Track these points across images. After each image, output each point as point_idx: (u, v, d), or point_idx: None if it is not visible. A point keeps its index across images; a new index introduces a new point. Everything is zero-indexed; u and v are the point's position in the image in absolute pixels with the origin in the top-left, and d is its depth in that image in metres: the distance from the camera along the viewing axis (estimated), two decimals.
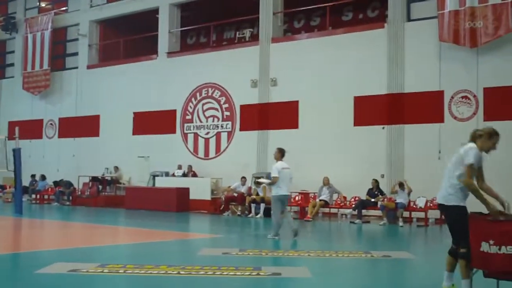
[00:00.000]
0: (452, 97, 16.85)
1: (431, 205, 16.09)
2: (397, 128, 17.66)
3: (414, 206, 16.20)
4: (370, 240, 13.35)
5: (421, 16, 17.84)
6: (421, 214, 16.15)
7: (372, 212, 17.13)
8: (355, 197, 17.28)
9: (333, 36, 19.58)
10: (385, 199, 16.69)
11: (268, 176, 12.99)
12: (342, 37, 19.31)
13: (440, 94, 17.02)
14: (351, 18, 22.19)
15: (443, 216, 6.13)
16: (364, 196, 16.80)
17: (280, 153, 11.93)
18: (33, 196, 25.11)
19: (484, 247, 5.25)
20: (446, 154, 16.31)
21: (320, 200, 17.23)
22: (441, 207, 5.93)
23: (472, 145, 5.81)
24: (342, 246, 11.56)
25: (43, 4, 29.48)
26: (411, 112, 17.50)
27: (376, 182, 16.85)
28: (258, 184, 17.65)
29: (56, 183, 24.65)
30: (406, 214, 16.24)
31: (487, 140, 5.82)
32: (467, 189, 5.65)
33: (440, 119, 16.97)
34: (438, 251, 11.31)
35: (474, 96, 16.51)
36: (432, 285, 7.09)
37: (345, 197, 17.62)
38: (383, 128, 17.94)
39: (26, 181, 23.32)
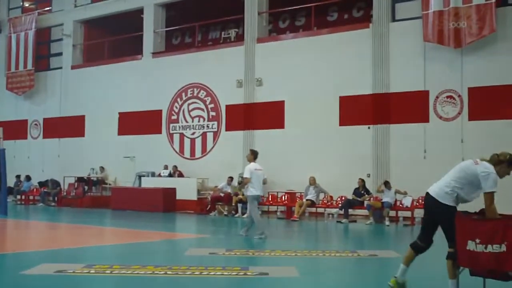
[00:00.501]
0: (437, 97, 16.98)
1: (417, 204, 16.20)
2: (382, 128, 17.76)
3: (401, 205, 16.30)
4: (356, 240, 13.42)
5: (405, 17, 17.93)
6: (408, 213, 16.26)
7: (359, 211, 17.21)
8: (342, 196, 17.36)
9: (318, 36, 19.64)
10: (371, 199, 16.78)
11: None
12: (327, 37, 19.37)
13: (425, 94, 17.14)
14: (336, 18, 22.27)
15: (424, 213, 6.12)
16: (350, 196, 16.89)
17: (253, 155, 12.07)
18: (18, 196, 24.90)
19: (471, 245, 5.30)
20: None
21: (307, 200, 17.28)
22: (431, 201, 5.84)
23: (492, 169, 5.61)
24: (329, 246, 11.61)
25: (26, 4, 29.21)
26: (396, 112, 17.60)
27: (362, 181, 16.94)
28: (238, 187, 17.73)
29: (41, 184, 24.47)
30: (392, 213, 16.34)
31: (506, 167, 5.72)
32: (491, 217, 5.46)
33: (426, 119, 17.09)
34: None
35: (459, 96, 16.65)
36: (418, 284, 7.14)
37: (331, 197, 17.70)
38: (369, 128, 18.03)
39: (11, 182, 23.17)
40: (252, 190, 11.79)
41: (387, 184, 16.15)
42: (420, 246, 6.08)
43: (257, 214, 11.92)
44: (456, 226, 5.53)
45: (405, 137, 17.40)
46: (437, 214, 5.86)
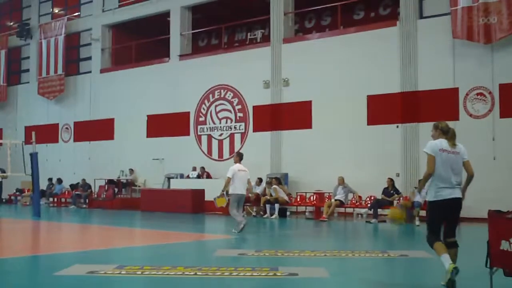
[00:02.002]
0: (467, 94, 16.74)
1: None
2: (411, 127, 17.58)
3: None
4: (386, 240, 13.30)
5: (433, 13, 17.74)
6: None
7: (388, 211, 17.02)
8: (371, 196, 17.22)
9: (345, 35, 19.54)
10: (401, 198, 16.61)
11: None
12: (354, 36, 19.26)
13: (454, 91, 16.92)
14: (362, 16, 22.12)
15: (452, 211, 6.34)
16: (379, 196, 16.73)
17: (238, 157, 12.98)
18: (51, 199, 25.36)
19: (504, 245, 5.21)
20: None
21: (336, 200, 17.20)
22: (459, 201, 6.27)
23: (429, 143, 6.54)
24: (359, 246, 11.53)
25: (56, 10, 29.72)
26: (425, 110, 17.39)
27: (391, 181, 16.77)
28: (269, 185, 17.84)
29: (72, 186, 24.87)
30: (422, 213, 16.13)
31: (440, 134, 6.60)
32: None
33: (455, 117, 16.85)
34: None
35: (490, 92, 16.38)
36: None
37: (360, 197, 17.55)
38: (397, 126, 17.86)
39: (43, 185, 23.59)
40: (234, 190, 12.44)
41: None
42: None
43: (236, 212, 12.56)
44: (488, 226, 5.45)
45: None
46: (458, 211, 6.38)
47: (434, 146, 6.38)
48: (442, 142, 6.41)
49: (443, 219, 6.30)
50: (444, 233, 6.28)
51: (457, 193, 6.28)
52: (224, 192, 12.76)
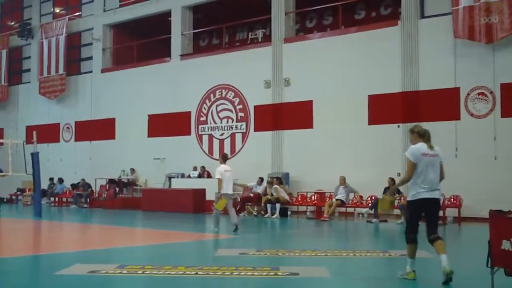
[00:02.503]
0: (468, 94, 16.73)
1: (449, 203, 16.02)
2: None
3: None
4: (387, 239, 13.30)
5: (435, 13, 17.72)
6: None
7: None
8: (372, 196, 17.21)
9: (346, 35, 19.53)
10: (402, 198, 16.58)
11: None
12: (355, 35, 19.26)
13: (456, 91, 16.91)
14: (363, 16, 22.11)
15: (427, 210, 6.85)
16: (380, 195, 16.70)
17: (223, 158, 13.48)
18: (52, 199, 25.39)
19: (505, 245, 5.21)
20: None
21: (337, 200, 17.19)
22: (437, 201, 6.76)
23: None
24: (360, 246, 11.53)
25: (57, 10, 29.75)
26: (426, 110, 17.38)
27: (392, 181, 16.72)
28: (270, 184, 17.87)
29: (74, 186, 24.89)
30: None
31: (416, 138, 7.00)
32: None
33: (457, 117, 16.86)
34: (457, 249, 11.24)
35: (491, 92, 16.37)
36: (452, 284, 7.04)
37: (361, 196, 17.54)
38: (399, 126, 17.85)
39: (44, 184, 23.60)
40: (222, 190, 12.85)
41: None
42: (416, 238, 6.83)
43: (217, 212, 12.99)
44: (490, 226, 5.45)
45: (435, 135, 16.97)
46: (437, 210, 6.91)
47: (416, 151, 6.73)
48: (423, 146, 6.77)
49: (420, 216, 6.80)
50: (427, 232, 6.74)
51: (436, 194, 6.71)
52: (221, 194, 12.82)
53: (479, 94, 16.59)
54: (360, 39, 19.01)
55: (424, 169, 6.62)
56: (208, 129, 22.65)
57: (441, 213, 15.91)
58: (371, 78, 18.52)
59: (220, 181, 12.79)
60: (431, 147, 6.83)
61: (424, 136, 6.88)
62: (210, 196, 19.95)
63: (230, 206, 13.15)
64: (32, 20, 30.01)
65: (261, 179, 19.02)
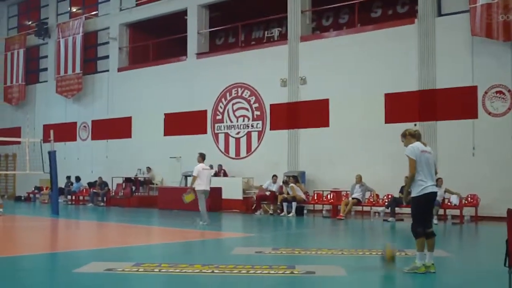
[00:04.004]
0: (486, 92, 16.58)
1: (466, 202, 15.89)
2: (429, 125, 17.45)
3: (449, 203, 15.98)
4: (404, 238, 13.19)
5: (452, 11, 17.58)
6: (456, 212, 15.91)
7: (406, 210, 16.93)
8: (388, 195, 17.11)
9: (363, 33, 19.45)
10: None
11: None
12: (372, 34, 19.17)
13: (473, 89, 16.76)
14: (380, 14, 21.99)
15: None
16: (397, 194, 16.62)
17: (201, 157, 14.77)
18: (69, 197, 25.57)
19: None
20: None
21: (353, 198, 17.14)
22: (436, 195, 7.33)
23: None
24: (376, 244, 11.47)
25: (74, 9, 29.96)
26: (443, 108, 17.26)
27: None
28: (286, 184, 17.84)
29: (90, 184, 25.07)
30: (440, 211, 16.03)
31: (410, 139, 7.41)
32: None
33: (474, 115, 16.71)
34: (474, 248, 11.16)
35: (509, 90, 16.21)
36: (469, 283, 7.00)
37: (377, 195, 17.45)
38: (415, 125, 17.71)
39: (61, 183, 23.78)
40: (199, 186, 14.27)
41: (437, 181, 15.67)
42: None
43: (203, 206, 14.34)
44: (508, 225, 5.40)
45: (453, 134, 17.04)
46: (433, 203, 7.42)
47: (415, 149, 7.20)
48: (419, 145, 7.26)
49: (427, 210, 7.27)
50: (425, 225, 7.20)
51: (435, 188, 7.32)
52: (193, 188, 14.35)
53: (496, 92, 16.43)
54: (376, 38, 18.91)
55: (424, 165, 7.12)
56: (224, 127, 22.68)
57: (458, 212, 15.83)
58: (387, 76, 18.42)
59: (195, 178, 14.29)
60: (425, 145, 7.35)
61: (415, 136, 7.38)
62: (226, 195, 20.07)
63: (203, 201, 14.38)
64: (49, 20, 30.27)
65: (275, 177, 18.99)
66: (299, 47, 20.64)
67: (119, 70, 26.75)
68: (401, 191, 16.51)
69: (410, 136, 7.40)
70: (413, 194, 7.21)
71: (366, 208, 17.98)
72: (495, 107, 16.43)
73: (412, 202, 7.29)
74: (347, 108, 19.18)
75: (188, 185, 21.95)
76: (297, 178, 18.57)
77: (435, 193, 7.24)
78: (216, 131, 22.91)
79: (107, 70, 27.35)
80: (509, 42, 16.10)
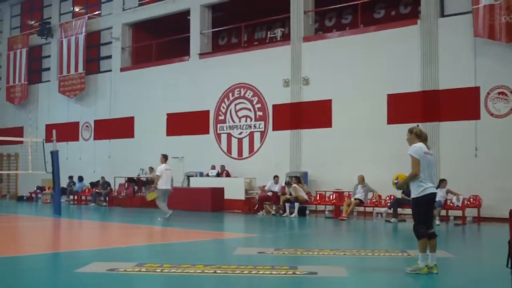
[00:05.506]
0: (488, 93, 16.55)
1: (468, 203, 15.87)
2: (432, 126, 17.42)
3: (451, 204, 15.95)
4: (406, 239, 13.18)
5: (455, 12, 17.56)
6: (458, 213, 15.89)
7: (408, 210, 16.90)
8: (390, 195, 17.11)
9: (365, 34, 19.43)
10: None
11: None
12: (374, 34, 19.15)
13: (475, 90, 16.74)
14: (383, 15, 21.98)
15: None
16: (399, 195, 16.61)
17: (164, 158, 16.04)
18: (71, 197, 25.60)
19: None
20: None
21: (355, 199, 17.13)
22: (436, 196, 7.37)
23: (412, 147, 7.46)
24: (378, 245, 11.48)
25: (77, 9, 29.98)
26: (446, 109, 17.25)
27: None
28: (289, 184, 17.81)
29: (93, 184, 25.09)
30: (443, 212, 16.01)
31: (414, 138, 7.47)
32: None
33: (476, 116, 16.69)
34: (477, 249, 11.14)
35: (511, 91, 16.18)
36: (471, 284, 6.99)
37: (380, 196, 17.44)
38: (418, 125, 17.68)
39: (64, 183, 23.81)
40: (161, 185, 15.39)
41: (441, 182, 15.68)
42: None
43: (163, 204, 15.52)
44: (510, 226, 5.41)
45: (455, 135, 17.02)
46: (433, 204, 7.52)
47: (419, 149, 7.26)
48: (423, 146, 7.31)
49: (429, 211, 7.41)
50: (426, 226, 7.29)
51: (436, 190, 7.42)
52: (155, 187, 15.47)
53: (499, 93, 16.41)
54: (379, 38, 18.90)
55: (426, 167, 7.18)
56: (227, 128, 22.68)
57: (460, 213, 15.81)
58: (390, 77, 18.40)
59: (158, 177, 15.45)
60: (428, 148, 7.42)
61: (421, 137, 7.41)
62: (228, 195, 20.07)
63: (165, 199, 15.52)
64: (52, 19, 30.29)
65: (278, 178, 18.99)
66: (302, 47, 20.63)
67: (122, 70, 26.77)
68: (403, 191, 16.54)
69: (415, 136, 7.45)
70: (413, 195, 7.28)
71: (368, 209, 17.98)
72: (498, 108, 16.41)
73: (413, 203, 7.35)
74: (349, 109, 19.17)
75: (191, 185, 22.10)
76: (300, 178, 18.55)
77: (434, 194, 7.31)
78: (218, 132, 22.91)
79: (110, 70, 27.36)
80: (511, 43, 16.07)
